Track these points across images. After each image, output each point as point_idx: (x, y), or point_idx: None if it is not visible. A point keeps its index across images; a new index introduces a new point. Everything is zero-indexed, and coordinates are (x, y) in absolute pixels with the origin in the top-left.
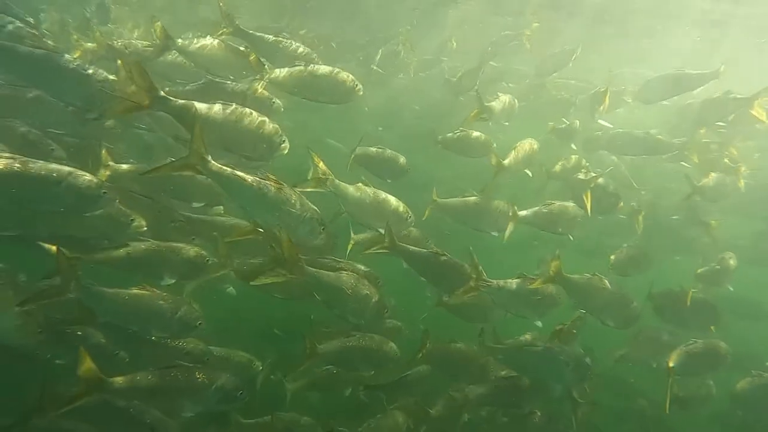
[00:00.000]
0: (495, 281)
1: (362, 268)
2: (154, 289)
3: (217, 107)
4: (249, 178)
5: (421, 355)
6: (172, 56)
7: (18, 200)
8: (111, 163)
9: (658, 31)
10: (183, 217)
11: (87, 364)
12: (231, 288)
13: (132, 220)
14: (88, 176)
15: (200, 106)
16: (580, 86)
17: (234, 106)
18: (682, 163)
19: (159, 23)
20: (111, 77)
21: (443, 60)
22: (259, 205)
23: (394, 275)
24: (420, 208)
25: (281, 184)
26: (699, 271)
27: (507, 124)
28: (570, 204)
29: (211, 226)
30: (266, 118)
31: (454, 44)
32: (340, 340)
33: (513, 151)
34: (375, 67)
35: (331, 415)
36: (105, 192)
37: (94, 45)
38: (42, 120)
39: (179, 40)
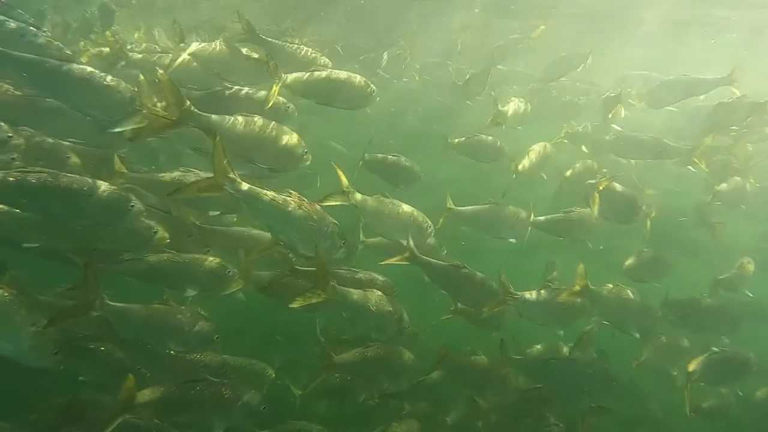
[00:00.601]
0: (521, 294)
1: (379, 277)
2: (171, 303)
3: (242, 119)
4: (274, 195)
5: (438, 366)
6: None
7: (50, 214)
8: (125, 171)
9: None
10: (197, 228)
11: (129, 389)
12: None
13: (155, 232)
14: (117, 189)
15: (227, 120)
16: (585, 88)
17: (257, 117)
18: (689, 167)
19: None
20: (132, 87)
21: (448, 64)
22: (283, 222)
23: (399, 279)
24: (426, 212)
25: (303, 199)
26: (720, 277)
27: (520, 128)
28: (588, 211)
29: (225, 236)
30: (289, 129)
31: (459, 47)
32: (356, 351)
33: (526, 155)
34: (380, 72)
35: (341, 422)
36: (133, 205)
37: (106, 49)
38: (58, 129)
39: (194, 44)
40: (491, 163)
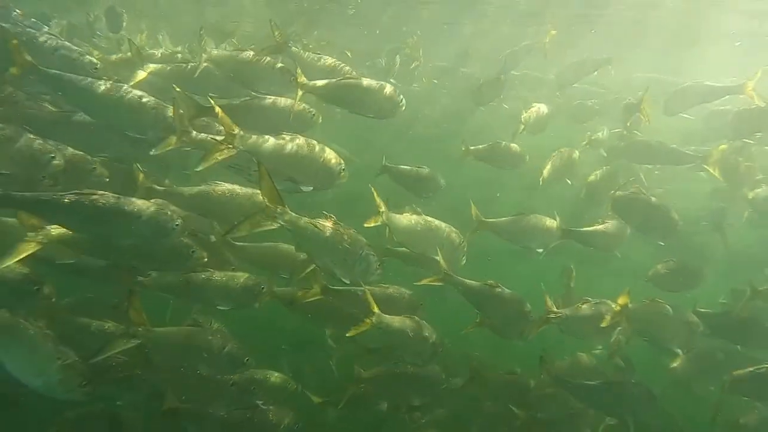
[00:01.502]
0: (563, 311)
1: (406, 291)
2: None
3: (282, 139)
4: (314, 222)
5: (470, 383)
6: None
7: (100, 234)
8: (149, 184)
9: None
10: (225, 244)
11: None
12: None
13: (193, 251)
14: (164, 208)
15: (269, 141)
16: (595, 92)
17: (296, 136)
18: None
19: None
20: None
21: (462, 70)
22: (321, 248)
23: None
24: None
25: (339, 223)
26: (761, 288)
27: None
28: (617, 221)
29: (251, 252)
30: (326, 147)
31: (470, 52)
32: (385, 367)
33: (550, 161)
34: (392, 81)
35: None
36: (177, 223)
37: (121, 56)
38: (84, 142)
39: (214, 51)
40: (511, 169)
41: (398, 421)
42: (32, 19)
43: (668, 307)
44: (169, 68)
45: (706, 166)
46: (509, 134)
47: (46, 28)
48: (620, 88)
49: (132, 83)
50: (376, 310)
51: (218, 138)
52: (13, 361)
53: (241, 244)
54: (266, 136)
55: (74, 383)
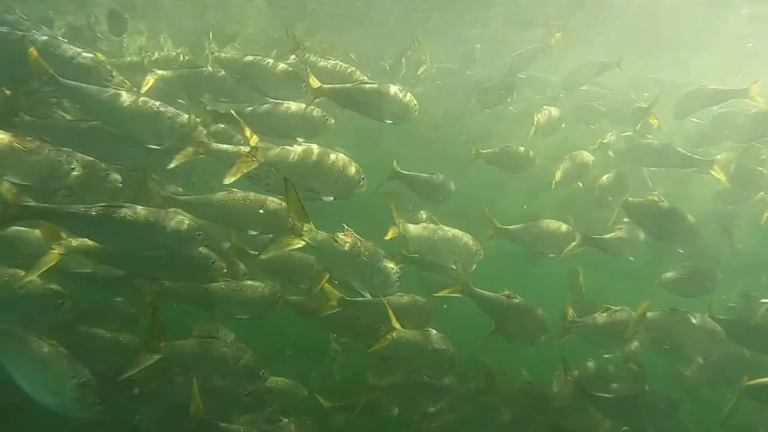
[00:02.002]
0: (584, 320)
1: (422, 300)
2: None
3: (302, 150)
4: (339, 238)
5: (486, 393)
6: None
7: (128, 247)
8: (165, 193)
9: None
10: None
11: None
12: None
13: (213, 262)
14: (186, 218)
15: (288, 151)
16: (601, 93)
17: (316, 146)
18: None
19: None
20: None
21: (468, 73)
22: (344, 263)
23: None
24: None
25: (357, 236)
26: None
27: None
28: (632, 226)
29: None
30: (346, 157)
31: (477, 55)
32: (401, 377)
33: (562, 164)
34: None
35: None
36: (200, 233)
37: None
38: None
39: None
40: (520, 172)
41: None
42: (43, 27)
43: (690, 315)
44: (177, 73)
45: (712, 171)
46: (514, 136)
47: (59, 36)
48: (625, 89)
49: (143, 90)
50: (396, 325)
51: (241, 149)
52: (27, 379)
53: (255, 252)
54: (287, 148)
55: (89, 401)
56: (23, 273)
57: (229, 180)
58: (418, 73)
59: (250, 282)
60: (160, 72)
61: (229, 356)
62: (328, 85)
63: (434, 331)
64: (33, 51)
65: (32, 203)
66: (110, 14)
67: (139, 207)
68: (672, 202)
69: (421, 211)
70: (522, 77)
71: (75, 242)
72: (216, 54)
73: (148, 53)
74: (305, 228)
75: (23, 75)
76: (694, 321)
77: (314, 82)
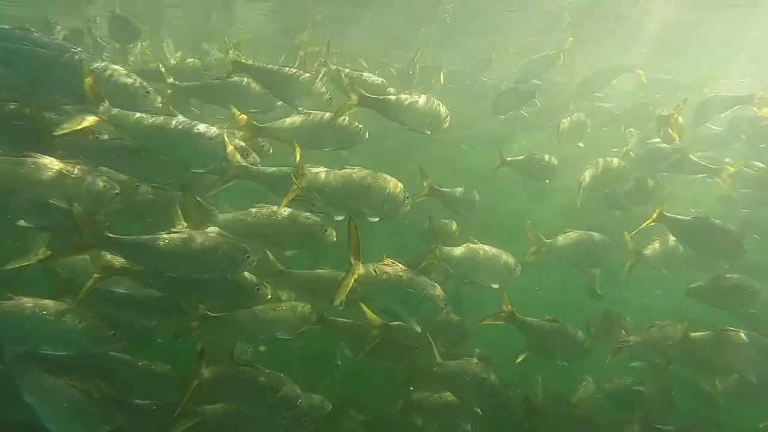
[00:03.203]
0: (633, 337)
1: (455, 317)
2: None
3: (347, 172)
4: (379, 269)
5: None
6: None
7: (184, 271)
8: (203, 212)
9: None
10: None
11: None
12: None
13: (258, 288)
14: (237, 241)
15: (337, 176)
16: (614, 95)
17: (360, 169)
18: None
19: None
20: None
21: (481, 78)
22: (389, 295)
23: None
24: None
25: (398, 265)
26: None
27: (582, 145)
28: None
29: (301, 278)
30: (390, 177)
31: (493, 56)
32: (438, 396)
33: (589, 169)
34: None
35: None
36: (248, 255)
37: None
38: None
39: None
40: (545, 181)
41: None
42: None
43: (742, 335)
44: (197, 84)
45: (718, 179)
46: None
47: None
48: (637, 91)
49: (164, 102)
50: (439, 359)
51: (284, 172)
52: (59, 426)
53: (291, 270)
54: (333, 172)
55: None
56: (64, 302)
57: (280, 208)
58: (433, 81)
59: (286, 302)
60: (185, 84)
61: (267, 386)
62: (373, 96)
63: (474, 360)
64: (90, 79)
65: (110, 234)
66: (116, 20)
67: (194, 231)
68: (716, 217)
69: (450, 222)
70: (536, 82)
71: (119, 264)
72: (244, 61)
73: (163, 60)
74: (354, 262)
75: (75, 96)
76: (747, 341)
77: (356, 92)
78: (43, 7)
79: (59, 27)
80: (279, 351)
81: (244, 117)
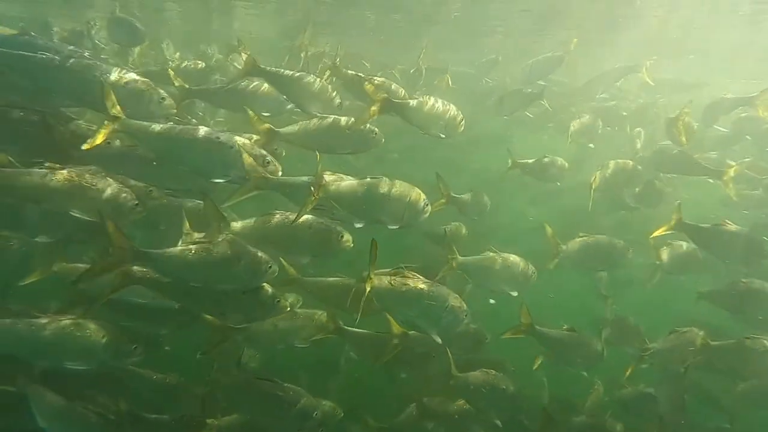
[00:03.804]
0: (653, 345)
1: (472, 326)
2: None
3: (367, 182)
4: (407, 286)
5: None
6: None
7: (209, 281)
8: (222, 220)
9: None
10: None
11: None
12: None
13: (277, 301)
14: (259, 253)
15: (356, 186)
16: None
17: (379, 178)
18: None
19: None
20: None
21: (486, 80)
22: (409, 308)
23: None
24: None
25: (417, 277)
26: None
27: (592, 146)
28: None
29: (316, 285)
30: (408, 185)
31: (500, 58)
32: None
33: (600, 170)
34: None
35: None
36: (270, 266)
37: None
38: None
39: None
40: (555, 183)
41: None
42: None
43: (765, 342)
44: (206, 88)
45: (720, 181)
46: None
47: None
48: (639, 91)
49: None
50: (455, 373)
51: (304, 182)
52: None
53: (308, 279)
54: (353, 182)
55: None
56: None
57: (296, 220)
58: (435, 82)
59: (302, 311)
60: (195, 88)
61: (285, 399)
62: (396, 100)
63: (493, 372)
64: (110, 93)
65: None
66: (119, 23)
67: (218, 242)
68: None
69: (460, 225)
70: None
71: (139, 273)
72: (260, 66)
73: (171, 62)
74: (374, 280)
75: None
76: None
77: (379, 95)
78: (43, 8)
79: (56, 28)
80: (285, 356)
81: (265, 123)
